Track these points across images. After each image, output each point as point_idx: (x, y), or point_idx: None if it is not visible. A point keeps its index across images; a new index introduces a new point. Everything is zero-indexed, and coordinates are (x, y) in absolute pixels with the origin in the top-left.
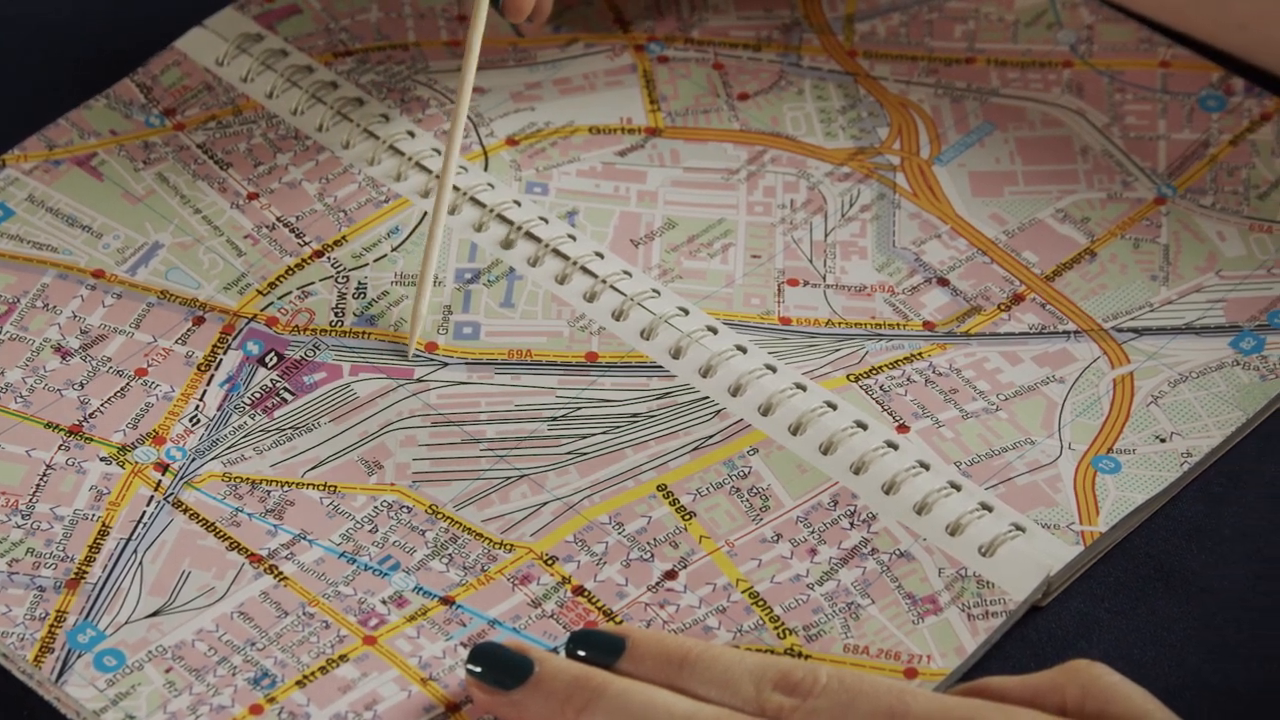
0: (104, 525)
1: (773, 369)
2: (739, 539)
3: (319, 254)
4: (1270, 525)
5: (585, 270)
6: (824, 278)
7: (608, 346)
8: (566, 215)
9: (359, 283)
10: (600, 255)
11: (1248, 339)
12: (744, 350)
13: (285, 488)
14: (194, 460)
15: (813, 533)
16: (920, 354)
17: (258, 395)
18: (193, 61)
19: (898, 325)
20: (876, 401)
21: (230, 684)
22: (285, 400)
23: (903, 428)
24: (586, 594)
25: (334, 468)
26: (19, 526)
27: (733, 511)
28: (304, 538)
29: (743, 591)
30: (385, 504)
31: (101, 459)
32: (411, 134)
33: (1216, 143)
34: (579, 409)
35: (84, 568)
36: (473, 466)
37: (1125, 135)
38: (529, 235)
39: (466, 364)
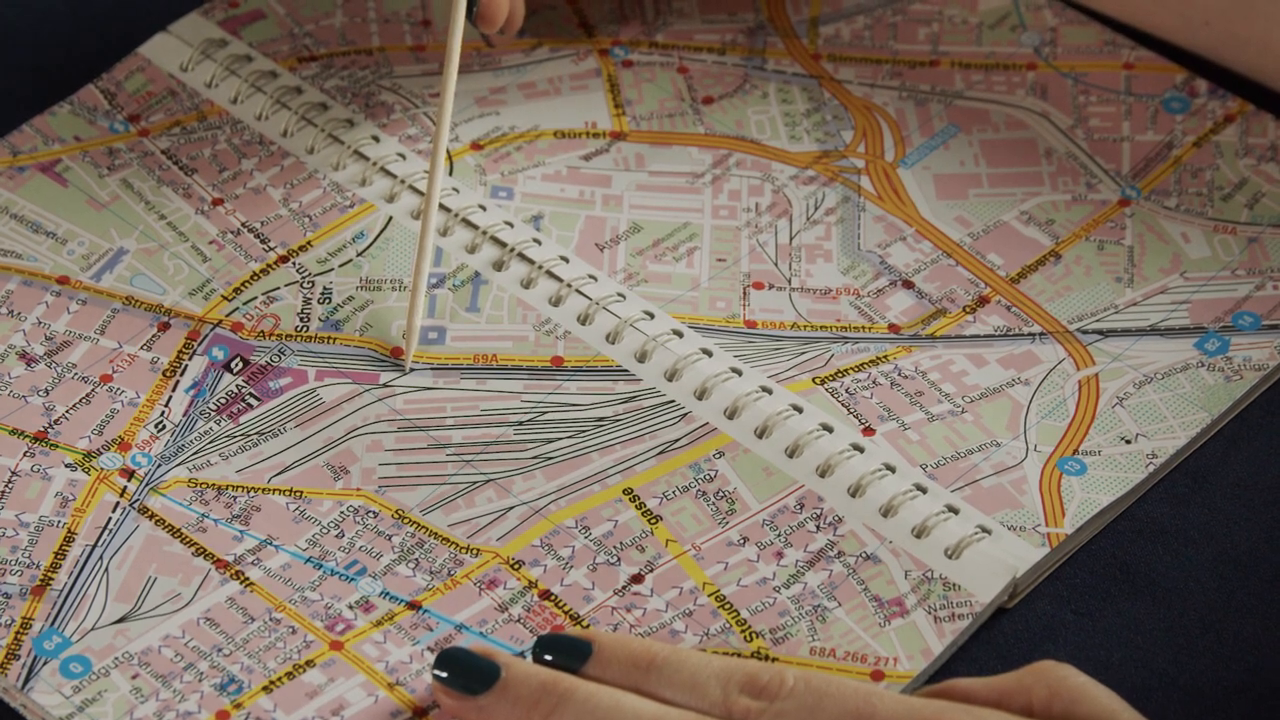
0: (70, 531)
1: (738, 372)
2: (705, 542)
3: (284, 259)
4: (1235, 526)
5: (551, 275)
6: (789, 281)
7: (574, 351)
8: (532, 220)
9: (324, 288)
10: (566, 259)
11: (1212, 340)
12: (710, 354)
13: (251, 493)
14: (160, 466)
15: (779, 536)
16: (886, 357)
17: (223, 401)
18: (157, 67)
19: (863, 328)
20: (842, 404)
21: (197, 690)
22: (251, 406)
23: (868, 430)
24: (553, 598)
25: (300, 473)
26: None
27: (699, 515)
28: (270, 543)
29: (709, 595)
30: (351, 509)
31: (67, 465)
32: (376, 139)
33: (1180, 144)
34: (545, 413)
35: (50, 574)
36: (439, 471)
37: (1089, 137)
38: (494, 240)
39: (432, 369)
